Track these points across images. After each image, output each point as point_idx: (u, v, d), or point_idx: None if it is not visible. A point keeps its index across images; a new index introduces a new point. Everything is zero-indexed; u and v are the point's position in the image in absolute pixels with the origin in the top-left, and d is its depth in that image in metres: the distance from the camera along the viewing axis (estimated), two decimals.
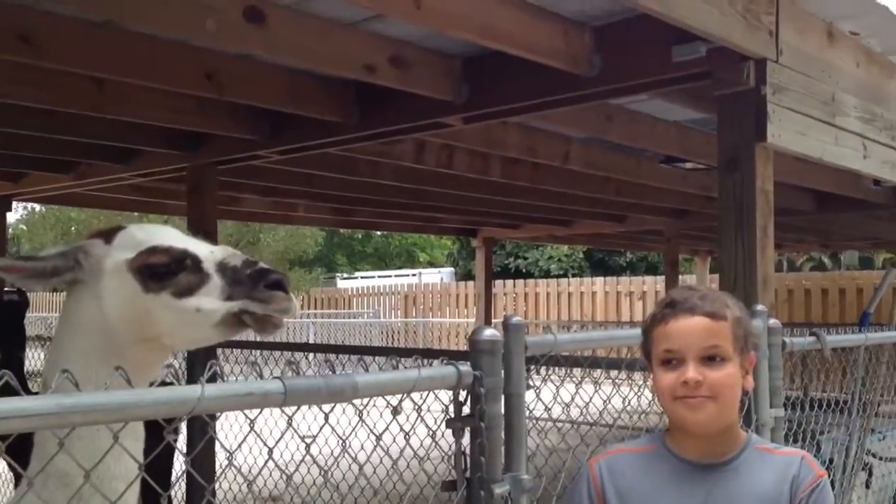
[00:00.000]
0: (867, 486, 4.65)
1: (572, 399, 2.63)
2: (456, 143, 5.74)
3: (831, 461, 4.13)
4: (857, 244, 15.06)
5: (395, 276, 27.55)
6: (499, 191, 7.54)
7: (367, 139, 5.00)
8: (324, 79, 4.44)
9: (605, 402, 2.74)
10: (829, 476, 4.18)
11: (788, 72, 3.66)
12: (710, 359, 1.73)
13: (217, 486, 4.70)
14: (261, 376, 1.55)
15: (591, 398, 2.71)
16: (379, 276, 28.05)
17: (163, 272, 1.75)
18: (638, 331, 2.48)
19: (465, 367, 1.92)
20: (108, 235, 1.86)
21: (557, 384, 2.59)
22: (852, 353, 4.02)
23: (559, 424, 2.96)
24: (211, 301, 1.74)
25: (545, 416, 2.62)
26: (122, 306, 1.77)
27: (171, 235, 1.86)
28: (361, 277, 28.82)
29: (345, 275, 30.49)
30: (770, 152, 3.66)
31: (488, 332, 1.99)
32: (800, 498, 1.73)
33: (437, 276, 26.39)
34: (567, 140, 5.96)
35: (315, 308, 23.68)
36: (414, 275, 26.90)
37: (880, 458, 4.77)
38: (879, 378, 4.12)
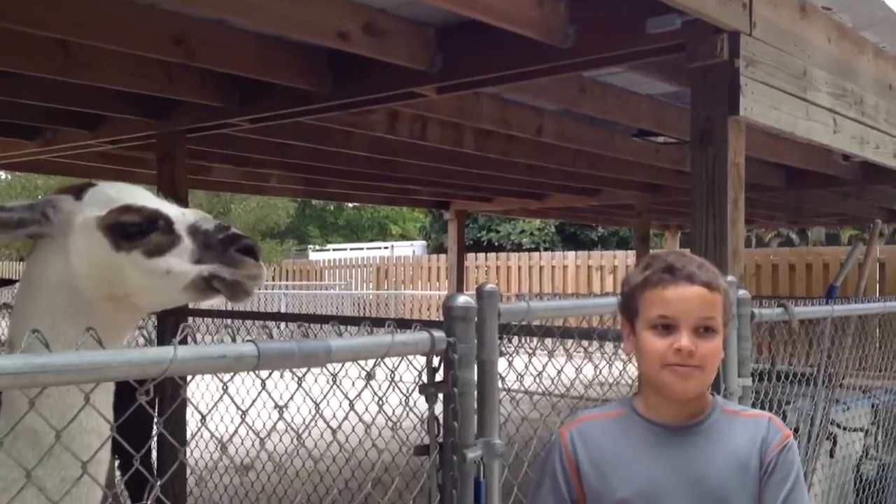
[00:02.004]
0: (831, 456, 4.74)
1: (543, 368, 2.65)
2: (429, 114, 5.71)
3: (797, 430, 4.21)
4: (824, 220, 15.26)
5: (368, 248, 27.52)
6: (471, 163, 7.53)
7: (339, 108, 4.96)
8: (296, 46, 4.38)
9: (576, 370, 2.76)
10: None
11: (761, 45, 3.68)
12: (703, 329, 1.74)
13: (189, 454, 4.69)
14: (234, 340, 1.55)
15: (562, 367, 2.73)
16: (351, 249, 27.98)
17: (134, 231, 1.73)
18: (610, 299, 2.50)
19: (439, 334, 1.93)
20: (78, 191, 1.83)
21: (530, 353, 2.61)
22: (819, 326, 4.08)
23: (531, 395, 2.98)
24: (181, 263, 1.73)
25: (517, 385, 2.63)
26: (91, 263, 1.75)
27: (142, 195, 1.84)
28: (333, 250, 28.72)
29: (316, 247, 30.39)
30: (742, 126, 3.68)
31: (462, 299, 1.99)
32: (769, 458, 1.76)
33: (409, 249, 26.37)
34: (540, 112, 5.95)
35: (286, 280, 23.59)
36: (386, 247, 26.87)
37: (844, 429, 4.87)
38: (845, 350, 4.20)
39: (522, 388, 2.93)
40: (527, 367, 2.53)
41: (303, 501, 3.94)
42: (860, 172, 6.94)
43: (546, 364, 2.62)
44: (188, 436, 4.13)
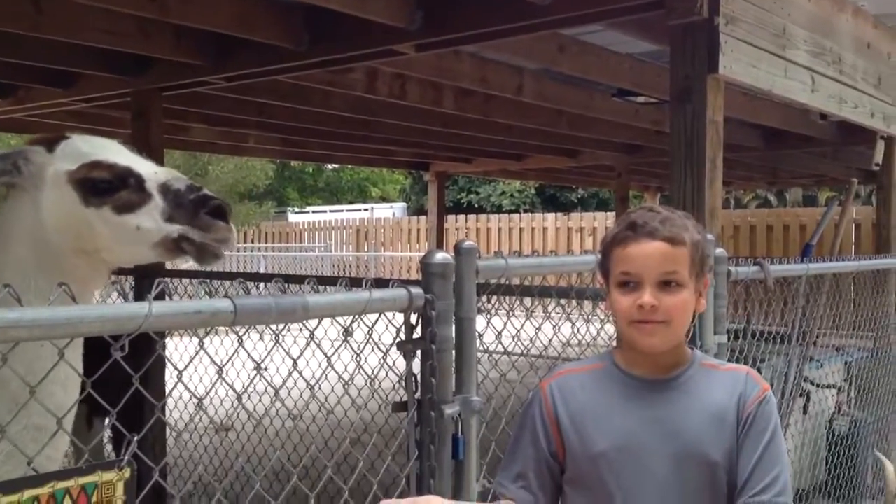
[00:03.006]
0: (805, 412, 4.83)
1: (521, 327, 2.66)
2: (408, 73, 5.66)
3: (771, 387, 4.28)
4: (801, 181, 15.37)
5: (347, 210, 27.40)
6: (451, 123, 7.49)
7: (316, 66, 4.90)
8: (273, 2, 4.31)
9: (554, 328, 2.78)
10: None
11: (741, 2, 3.66)
12: (667, 284, 1.73)
13: (168, 414, 4.70)
14: (210, 296, 1.54)
15: (539, 326, 2.74)
16: (331, 211, 27.85)
17: (104, 187, 1.72)
18: (588, 257, 2.51)
19: (417, 290, 1.93)
20: (50, 144, 1.81)
21: (508, 310, 2.62)
22: (794, 284, 4.13)
23: (510, 355, 3.00)
24: (151, 221, 1.73)
25: (496, 346, 2.65)
26: (61, 217, 1.74)
27: (115, 150, 1.82)
28: (313, 212, 28.58)
29: (296, 209, 30.22)
30: (721, 84, 3.68)
31: (440, 256, 1.99)
32: (748, 412, 1.77)
33: (389, 211, 26.30)
34: (520, 72, 5.91)
35: (265, 242, 23.50)
36: (366, 209, 26.77)
37: (817, 386, 4.95)
38: (819, 308, 4.25)
39: (501, 349, 2.96)
40: (504, 325, 2.55)
41: (281, 460, 3.97)
42: (837, 133, 6.98)
43: (524, 323, 2.64)
44: (166, 394, 4.13)
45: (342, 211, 27.31)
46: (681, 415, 1.77)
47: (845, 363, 5.32)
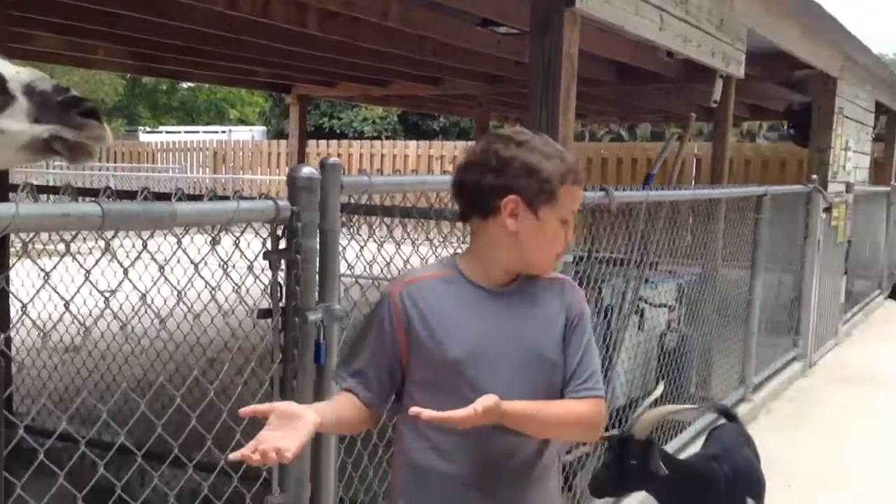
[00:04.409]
0: (640, 328, 5.25)
1: (380, 245, 2.78)
2: None
3: (610, 306, 4.63)
4: (650, 117, 16.12)
5: (204, 132, 26.46)
6: (315, 45, 7.37)
7: None
8: None
9: (413, 245, 2.92)
10: (607, 317, 4.68)
11: None
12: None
13: (14, 333, 4.57)
14: (76, 200, 1.57)
15: (399, 243, 2.88)
16: (185, 132, 26.82)
17: None
18: (447, 178, 2.64)
19: (283, 202, 2.01)
20: None
21: (369, 233, 2.73)
22: (635, 211, 4.43)
23: (373, 280, 3.12)
24: (16, 123, 1.68)
25: (358, 265, 2.76)
26: None
27: None
28: (166, 132, 27.43)
29: (147, 128, 28.88)
30: (577, 17, 3.86)
31: (306, 170, 2.07)
32: (573, 314, 1.96)
33: (247, 134, 25.62)
34: None
35: (115, 162, 22.41)
36: (223, 132, 25.96)
37: (651, 304, 5.38)
38: (656, 233, 4.59)
39: (363, 268, 3.07)
40: (363, 247, 2.65)
41: (149, 359, 3.95)
42: (682, 70, 7.39)
43: (383, 242, 2.75)
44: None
45: (198, 132, 26.35)
46: (521, 320, 1.93)
47: (678, 285, 5.79)
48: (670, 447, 4.79)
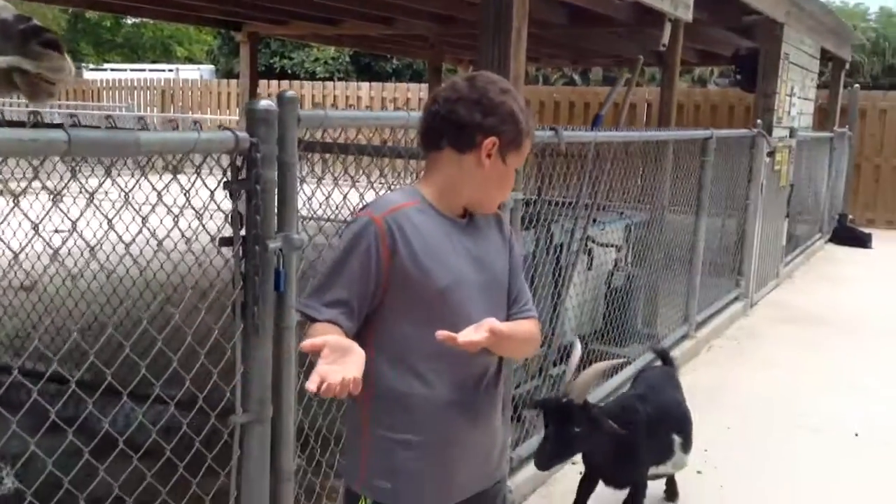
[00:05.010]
0: (589, 268, 5.41)
1: (335, 182, 2.85)
2: None
3: (560, 243, 4.77)
4: (602, 61, 16.20)
5: (150, 70, 25.82)
6: None
7: None
8: None
9: (368, 180, 2.99)
10: (556, 254, 4.82)
11: None
12: None
13: None
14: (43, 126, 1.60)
15: (355, 179, 2.94)
16: (131, 70, 26.13)
17: None
18: (401, 113, 2.71)
19: (243, 134, 2.06)
20: None
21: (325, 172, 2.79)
22: (584, 152, 4.54)
23: (332, 221, 3.17)
24: None
25: (321, 210, 2.82)
26: None
27: None
28: (111, 70, 26.68)
29: (91, 66, 28.05)
30: None
31: (265, 102, 2.12)
32: (513, 244, 2.16)
33: (196, 73, 25.07)
34: None
35: (60, 99, 21.80)
36: (171, 70, 25.35)
37: (599, 244, 5.54)
38: (604, 173, 4.72)
39: (326, 216, 3.14)
40: (317, 186, 2.71)
41: (113, 284, 3.96)
42: (633, 14, 7.45)
43: (337, 178, 2.82)
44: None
45: (144, 70, 25.70)
46: (483, 250, 2.05)
47: (625, 226, 5.96)
48: (612, 384, 4.99)
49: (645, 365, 4.95)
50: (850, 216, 13.70)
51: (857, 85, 14.93)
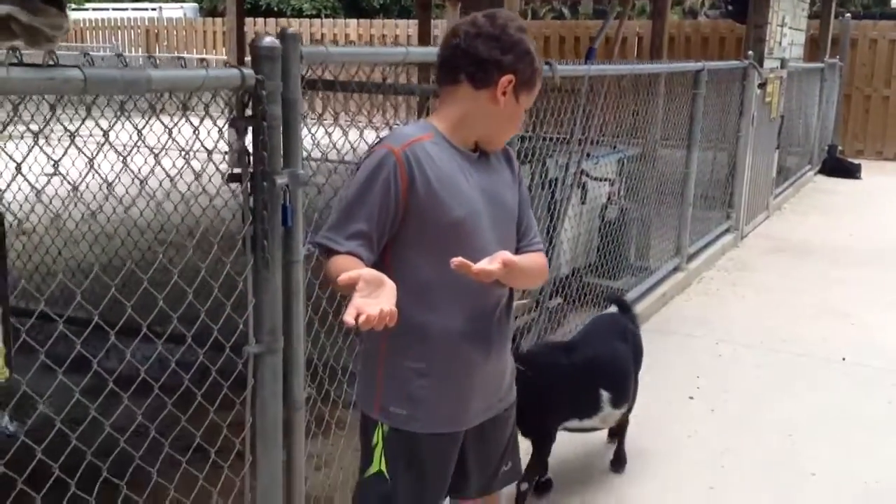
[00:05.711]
0: (583, 202, 5.48)
1: (336, 119, 2.88)
2: None
3: (555, 178, 4.82)
4: None
5: (133, 9, 25.33)
6: None
7: None
8: None
9: (373, 128, 3.03)
10: (551, 189, 4.89)
11: None
12: None
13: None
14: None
15: (355, 115, 2.98)
16: (113, 9, 25.62)
17: None
18: (401, 49, 2.74)
19: (248, 71, 2.09)
20: None
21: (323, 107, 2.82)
22: (577, 86, 4.56)
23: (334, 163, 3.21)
24: None
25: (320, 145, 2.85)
26: None
27: None
28: (93, 9, 26.16)
29: (73, 5, 27.50)
30: None
31: (268, 39, 2.15)
32: (520, 178, 2.21)
33: (179, 12, 24.58)
34: None
35: None
36: (153, 9, 24.86)
37: (593, 178, 5.59)
38: (597, 108, 4.74)
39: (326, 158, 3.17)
40: (315, 129, 2.74)
41: (120, 216, 3.99)
42: None
43: (339, 114, 2.85)
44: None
45: (127, 10, 25.21)
46: (495, 183, 2.11)
47: (618, 160, 6.01)
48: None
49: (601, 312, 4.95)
50: (840, 147, 13.75)
51: (848, 14, 14.83)
